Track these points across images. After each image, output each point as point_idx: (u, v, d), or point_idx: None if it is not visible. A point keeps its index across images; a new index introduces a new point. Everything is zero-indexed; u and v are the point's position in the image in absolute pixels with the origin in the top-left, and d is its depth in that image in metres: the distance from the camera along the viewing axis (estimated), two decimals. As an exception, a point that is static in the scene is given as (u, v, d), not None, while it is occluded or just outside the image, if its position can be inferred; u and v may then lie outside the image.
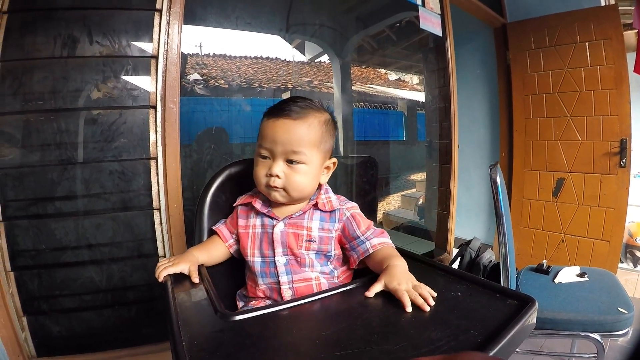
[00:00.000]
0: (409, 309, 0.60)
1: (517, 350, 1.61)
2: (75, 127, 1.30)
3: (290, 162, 0.79)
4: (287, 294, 0.81)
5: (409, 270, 0.70)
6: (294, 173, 0.79)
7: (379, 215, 4.42)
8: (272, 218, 0.84)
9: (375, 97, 6.62)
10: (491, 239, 3.15)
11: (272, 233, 0.82)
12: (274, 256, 0.82)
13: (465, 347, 0.49)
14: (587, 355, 1.56)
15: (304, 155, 0.79)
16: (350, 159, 3.39)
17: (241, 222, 0.89)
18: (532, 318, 0.59)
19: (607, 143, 2.36)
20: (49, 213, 1.31)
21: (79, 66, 1.29)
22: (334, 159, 0.87)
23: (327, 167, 0.87)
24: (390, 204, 4.79)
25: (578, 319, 1.31)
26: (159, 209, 1.39)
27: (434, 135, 2.72)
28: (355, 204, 0.88)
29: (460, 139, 2.62)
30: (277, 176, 0.79)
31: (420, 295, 0.62)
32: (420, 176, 4.76)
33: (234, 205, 0.93)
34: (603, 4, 2.40)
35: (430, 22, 2.25)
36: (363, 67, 7.38)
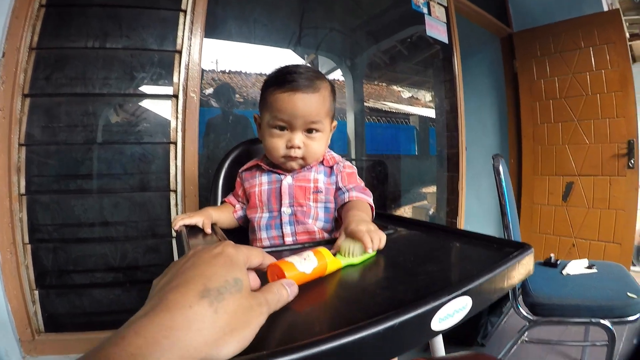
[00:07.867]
0: (369, 249, 0.59)
1: (525, 339, 1.62)
2: (102, 111, 1.39)
3: (309, 131, 0.83)
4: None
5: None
6: (312, 142, 0.84)
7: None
8: (279, 174, 0.89)
9: (388, 113, 6.68)
10: (501, 246, 3.12)
11: (280, 187, 0.87)
12: (281, 207, 0.86)
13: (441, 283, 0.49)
14: (599, 344, 1.51)
15: (321, 124, 0.83)
16: (361, 162, 3.44)
17: (247, 184, 0.93)
18: (526, 262, 0.58)
19: (614, 145, 2.38)
20: (71, 189, 1.37)
21: (109, 57, 1.39)
22: (335, 122, 0.92)
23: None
24: (402, 215, 4.80)
25: (586, 305, 1.28)
26: (175, 191, 1.45)
27: (443, 144, 2.78)
28: (352, 165, 0.93)
29: (470, 148, 2.65)
30: (299, 147, 0.83)
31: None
32: (431, 189, 4.77)
33: (239, 171, 0.97)
34: (606, 9, 2.45)
35: (436, 29, 2.34)
36: (375, 82, 7.47)
